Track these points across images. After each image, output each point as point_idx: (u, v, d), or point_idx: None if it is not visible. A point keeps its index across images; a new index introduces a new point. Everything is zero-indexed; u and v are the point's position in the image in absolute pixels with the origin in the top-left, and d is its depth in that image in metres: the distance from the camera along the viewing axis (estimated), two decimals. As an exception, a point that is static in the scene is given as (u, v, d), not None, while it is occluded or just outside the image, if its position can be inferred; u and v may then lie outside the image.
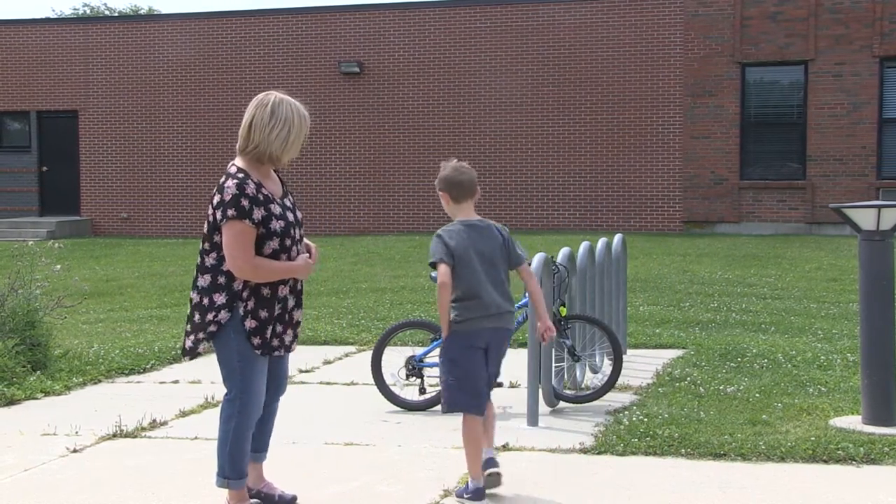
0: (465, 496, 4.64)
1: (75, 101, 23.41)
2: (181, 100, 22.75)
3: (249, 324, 4.28)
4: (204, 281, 4.31)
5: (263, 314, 4.30)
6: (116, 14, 44.97)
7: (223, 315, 4.27)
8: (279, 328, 4.39)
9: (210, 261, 4.31)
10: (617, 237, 8.44)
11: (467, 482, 4.70)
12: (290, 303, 4.43)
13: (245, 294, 4.28)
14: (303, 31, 22.04)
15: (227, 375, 4.37)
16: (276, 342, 4.39)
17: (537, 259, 6.26)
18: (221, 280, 4.28)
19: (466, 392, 4.63)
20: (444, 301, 4.62)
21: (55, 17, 43.33)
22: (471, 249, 4.66)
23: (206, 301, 4.30)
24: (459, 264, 4.65)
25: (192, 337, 4.36)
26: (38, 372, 7.55)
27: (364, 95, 21.69)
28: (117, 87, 23.14)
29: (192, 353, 4.38)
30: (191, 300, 4.38)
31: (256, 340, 4.30)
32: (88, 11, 46.57)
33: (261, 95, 4.38)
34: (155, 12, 45.89)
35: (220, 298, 4.27)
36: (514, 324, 5.04)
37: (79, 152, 23.45)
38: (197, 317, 4.33)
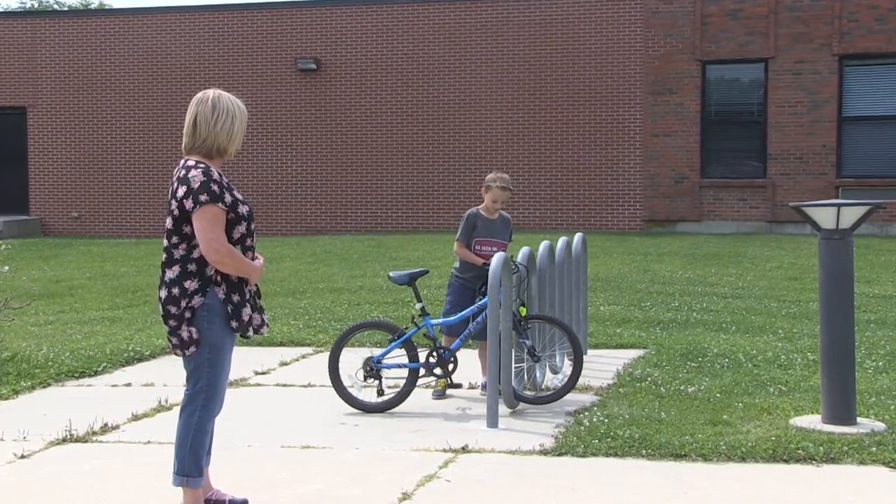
0: None
1: (23, 98, 22.95)
2: (133, 97, 22.41)
3: (228, 307, 4.33)
4: (173, 273, 4.33)
5: (236, 297, 4.38)
6: (66, 9, 44.24)
7: (196, 300, 4.30)
8: (252, 310, 4.48)
9: (180, 252, 4.33)
10: (577, 236, 8.40)
11: None
12: (253, 287, 4.53)
13: (218, 279, 4.33)
14: (258, 26, 21.82)
15: (193, 369, 4.36)
16: (257, 321, 4.47)
17: (496, 259, 6.19)
18: (192, 268, 4.32)
19: None
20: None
21: (1, 10, 42.61)
22: None
23: (176, 290, 4.31)
24: None
25: (174, 329, 4.33)
26: (-15, 375, 7.35)
27: (321, 93, 21.51)
28: (67, 84, 22.73)
29: (186, 345, 4.32)
30: (160, 298, 4.36)
31: (234, 323, 4.35)
32: (37, 5, 45.74)
33: (199, 94, 4.49)
34: (106, 7, 45.29)
35: (192, 285, 4.31)
36: None
37: (27, 150, 23.00)
38: (172, 308, 4.32)
